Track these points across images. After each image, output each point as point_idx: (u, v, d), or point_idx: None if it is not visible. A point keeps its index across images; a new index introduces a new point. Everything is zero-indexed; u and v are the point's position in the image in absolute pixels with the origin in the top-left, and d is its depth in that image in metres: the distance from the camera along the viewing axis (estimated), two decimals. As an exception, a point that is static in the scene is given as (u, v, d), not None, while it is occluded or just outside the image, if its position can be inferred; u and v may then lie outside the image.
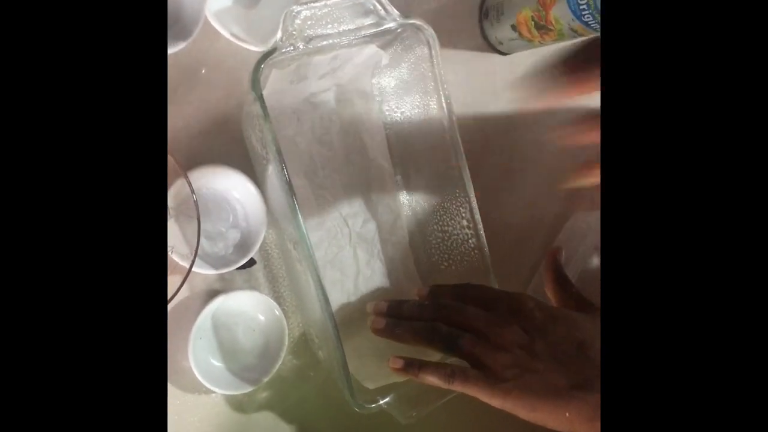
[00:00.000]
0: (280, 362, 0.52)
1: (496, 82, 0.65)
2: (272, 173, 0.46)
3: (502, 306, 0.46)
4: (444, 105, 0.50)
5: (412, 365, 0.46)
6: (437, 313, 0.47)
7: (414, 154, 0.57)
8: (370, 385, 0.50)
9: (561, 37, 0.55)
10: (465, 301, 0.48)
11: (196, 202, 0.43)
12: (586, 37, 0.53)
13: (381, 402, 0.48)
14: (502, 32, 0.61)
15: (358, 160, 0.58)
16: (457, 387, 0.44)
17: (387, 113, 0.57)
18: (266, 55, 0.41)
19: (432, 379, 0.44)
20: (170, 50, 0.44)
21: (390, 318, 0.49)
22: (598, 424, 0.39)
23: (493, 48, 0.64)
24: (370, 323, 0.49)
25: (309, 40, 0.42)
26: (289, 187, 0.42)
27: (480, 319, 0.45)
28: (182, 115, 0.50)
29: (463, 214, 0.53)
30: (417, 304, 0.49)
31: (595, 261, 0.69)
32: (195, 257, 0.43)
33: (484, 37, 0.64)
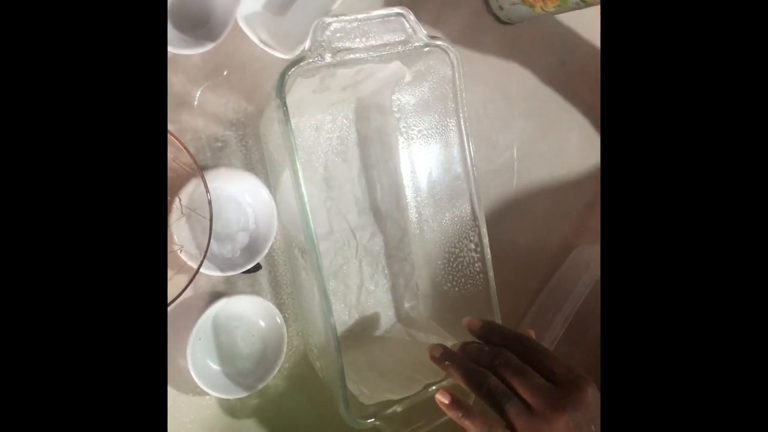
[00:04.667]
0: (276, 370, 0.52)
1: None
2: (287, 180, 0.46)
3: (563, 384, 0.42)
4: (462, 128, 0.50)
5: (458, 407, 0.45)
6: (494, 361, 0.44)
7: (427, 173, 0.57)
8: (365, 401, 0.49)
9: (563, 3, 0.54)
10: (525, 359, 0.44)
11: (210, 202, 0.43)
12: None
13: (375, 419, 0.48)
14: None
15: (371, 173, 0.58)
16: None
17: (404, 130, 0.58)
18: (294, 63, 0.41)
19: (472, 430, 0.43)
20: (198, 50, 0.45)
21: (448, 350, 0.47)
22: None
23: (492, 15, 0.64)
24: (430, 349, 0.48)
25: (336, 52, 0.42)
26: (304, 196, 0.42)
27: (538, 393, 0.42)
28: (203, 114, 0.51)
29: (472, 237, 0.53)
30: (479, 346, 0.47)
31: (595, 293, 0.69)
32: (204, 258, 0.43)
33: (486, 0, 0.63)
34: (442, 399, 0.45)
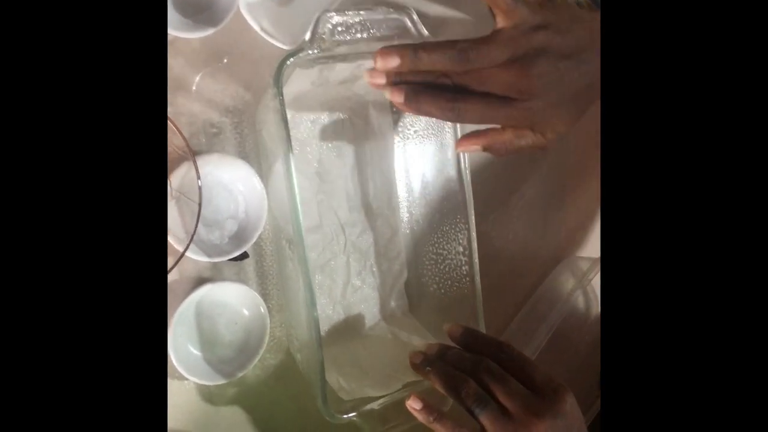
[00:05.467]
0: (257, 360, 0.52)
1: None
2: (278, 170, 0.46)
3: (543, 392, 0.43)
4: (458, 131, 0.50)
5: (430, 411, 0.45)
6: (475, 368, 0.44)
7: (421, 172, 0.57)
8: (344, 396, 0.49)
9: None
10: (505, 367, 0.45)
11: (200, 187, 0.43)
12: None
13: (352, 414, 0.48)
14: None
15: (364, 170, 0.58)
16: None
17: (400, 128, 0.58)
18: (291, 54, 0.41)
19: None
20: (198, 35, 0.45)
21: (427, 356, 0.48)
22: None
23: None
24: (410, 356, 0.48)
25: (337, 45, 0.42)
26: (294, 187, 0.42)
27: (516, 398, 0.42)
28: (200, 99, 0.51)
29: (461, 240, 0.53)
30: (459, 353, 0.47)
31: (581, 305, 0.70)
32: (191, 242, 0.43)
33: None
34: (414, 405, 0.45)
